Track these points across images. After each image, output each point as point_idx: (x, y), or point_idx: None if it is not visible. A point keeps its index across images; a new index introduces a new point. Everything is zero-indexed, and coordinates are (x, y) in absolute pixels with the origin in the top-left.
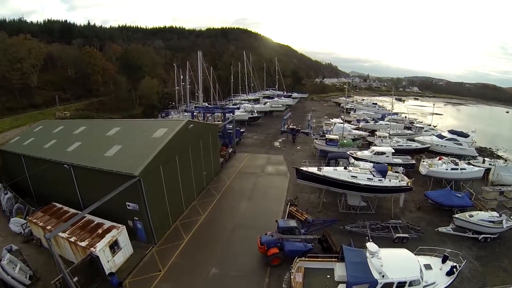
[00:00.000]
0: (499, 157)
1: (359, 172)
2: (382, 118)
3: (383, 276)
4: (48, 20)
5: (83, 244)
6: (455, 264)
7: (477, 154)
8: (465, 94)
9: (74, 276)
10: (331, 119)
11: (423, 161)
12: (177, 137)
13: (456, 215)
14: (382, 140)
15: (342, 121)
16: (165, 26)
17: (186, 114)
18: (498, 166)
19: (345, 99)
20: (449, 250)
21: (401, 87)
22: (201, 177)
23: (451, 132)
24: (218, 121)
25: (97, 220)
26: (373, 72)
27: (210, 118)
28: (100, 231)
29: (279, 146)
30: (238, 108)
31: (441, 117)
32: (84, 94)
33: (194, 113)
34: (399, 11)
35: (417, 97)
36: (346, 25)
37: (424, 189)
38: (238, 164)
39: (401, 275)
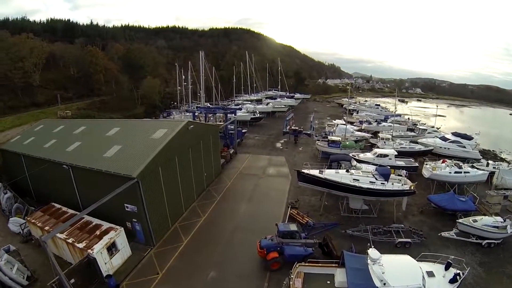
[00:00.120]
0: (502, 159)
1: (361, 175)
2: (385, 120)
3: (384, 284)
4: (51, 19)
5: (80, 245)
6: (458, 271)
7: (481, 157)
8: (468, 96)
9: (71, 278)
10: (333, 120)
11: (426, 164)
12: (177, 138)
13: (460, 220)
14: (385, 142)
15: (344, 123)
16: (168, 26)
17: (187, 114)
18: (503, 170)
19: (347, 100)
20: (453, 257)
21: (404, 88)
22: (202, 179)
23: (455, 134)
24: (220, 122)
25: (96, 221)
26: (376, 73)
27: (211, 118)
28: (98, 232)
29: (281, 147)
30: (240, 109)
31: (444, 119)
32: (86, 93)
33: (196, 113)
34: (402, 12)
35: (420, 99)
36: (349, 26)
37: (427, 192)
38: (239, 165)
39: (403, 282)
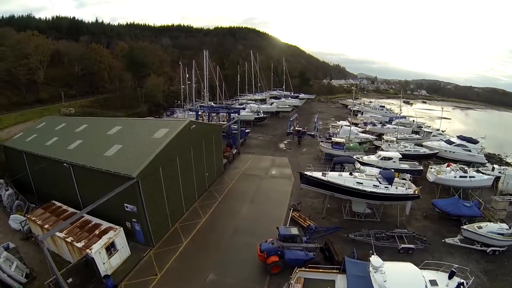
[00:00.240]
0: (508, 164)
1: (365, 179)
2: (390, 122)
3: None
4: (56, 16)
5: (79, 245)
6: (462, 280)
7: (486, 161)
8: (474, 99)
9: (68, 277)
10: (338, 122)
11: (431, 168)
12: (178, 138)
13: (465, 227)
14: (389, 144)
15: (348, 124)
16: (173, 24)
17: (191, 113)
18: (508, 175)
19: (352, 101)
20: (457, 265)
21: (409, 90)
22: (203, 179)
23: (460, 137)
24: (223, 121)
25: (95, 220)
26: (381, 74)
27: (215, 117)
28: (97, 232)
29: (285, 148)
30: (244, 108)
31: (450, 122)
32: (90, 91)
33: (199, 112)
34: (408, 13)
35: (425, 101)
36: (354, 26)
37: (431, 196)
38: (242, 166)
39: None
